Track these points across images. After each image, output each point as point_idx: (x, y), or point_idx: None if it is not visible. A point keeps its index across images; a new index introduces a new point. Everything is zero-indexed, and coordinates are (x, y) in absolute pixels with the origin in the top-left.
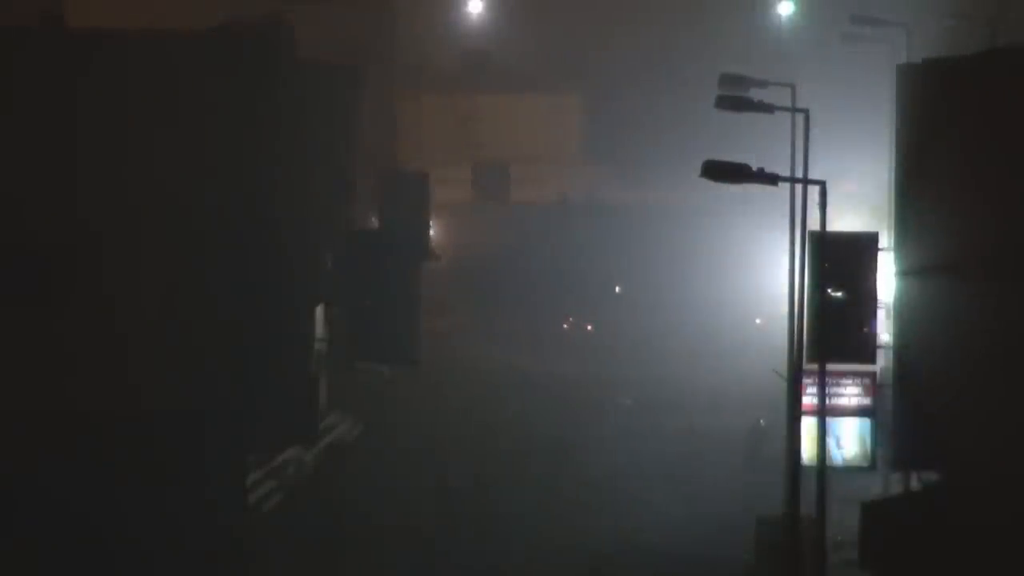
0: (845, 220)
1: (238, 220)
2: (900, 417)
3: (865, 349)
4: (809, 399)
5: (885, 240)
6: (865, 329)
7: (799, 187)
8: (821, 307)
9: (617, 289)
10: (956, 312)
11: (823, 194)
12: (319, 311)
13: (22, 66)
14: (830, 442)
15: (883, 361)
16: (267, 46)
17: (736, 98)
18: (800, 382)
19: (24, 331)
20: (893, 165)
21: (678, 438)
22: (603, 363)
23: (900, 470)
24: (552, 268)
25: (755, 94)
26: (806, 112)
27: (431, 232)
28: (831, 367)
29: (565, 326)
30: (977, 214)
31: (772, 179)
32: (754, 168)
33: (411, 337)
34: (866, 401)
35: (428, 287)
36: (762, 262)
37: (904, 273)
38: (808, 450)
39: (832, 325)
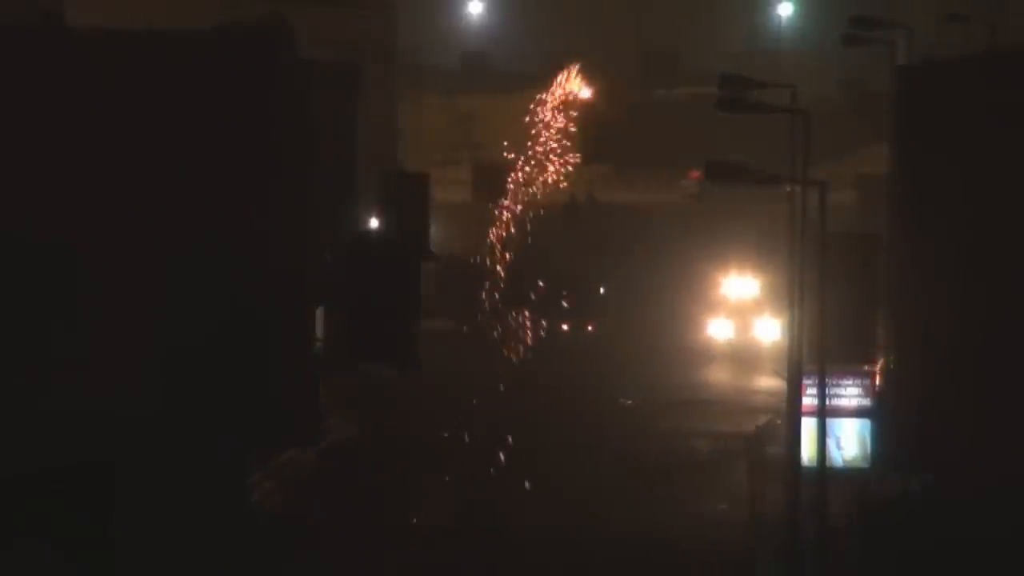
0: None
1: (237, 220)
2: (899, 417)
3: (865, 349)
4: (809, 399)
5: (884, 240)
6: (865, 329)
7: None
8: (821, 307)
9: (601, 290)
10: (954, 312)
11: (823, 194)
12: (319, 311)
13: (22, 66)
14: (830, 443)
15: (883, 361)
16: (267, 46)
17: (736, 99)
18: (800, 383)
19: (21, 331)
20: (892, 166)
21: (679, 438)
22: (603, 363)
23: (900, 470)
24: (552, 267)
25: (755, 94)
26: (806, 112)
27: (431, 232)
28: (831, 367)
29: (565, 327)
30: (976, 214)
31: (772, 180)
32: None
33: (411, 337)
34: (866, 401)
35: (428, 287)
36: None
37: (903, 273)
38: (808, 451)
39: (832, 325)
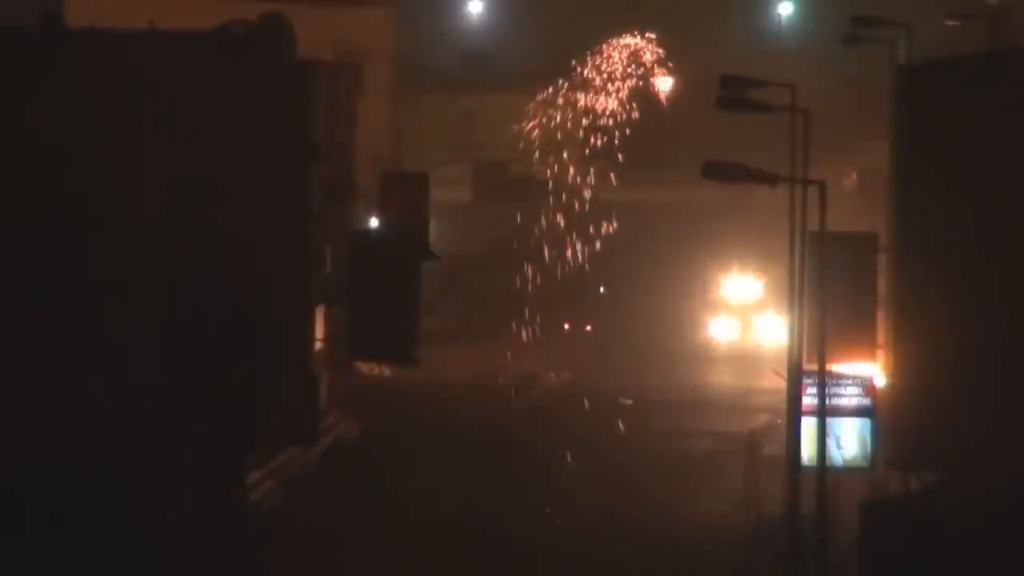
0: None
1: (237, 220)
2: (899, 417)
3: (865, 349)
4: (809, 399)
5: (884, 240)
6: (865, 329)
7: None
8: (821, 307)
9: (601, 289)
10: (955, 311)
11: (823, 194)
12: (319, 311)
13: (22, 66)
14: (830, 442)
15: (883, 361)
16: (267, 46)
17: (736, 98)
18: (800, 382)
19: (19, 334)
20: (892, 165)
21: (679, 438)
22: (603, 363)
23: (900, 470)
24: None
25: (755, 94)
26: (806, 112)
27: (431, 232)
28: (831, 367)
29: (566, 326)
30: (976, 214)
31: (772, 179)
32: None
33: (411, 337)
34: (866, 401)
35: (428, 287)
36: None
37: (903, 272)
38: (808, 450)
39: (832, 325)
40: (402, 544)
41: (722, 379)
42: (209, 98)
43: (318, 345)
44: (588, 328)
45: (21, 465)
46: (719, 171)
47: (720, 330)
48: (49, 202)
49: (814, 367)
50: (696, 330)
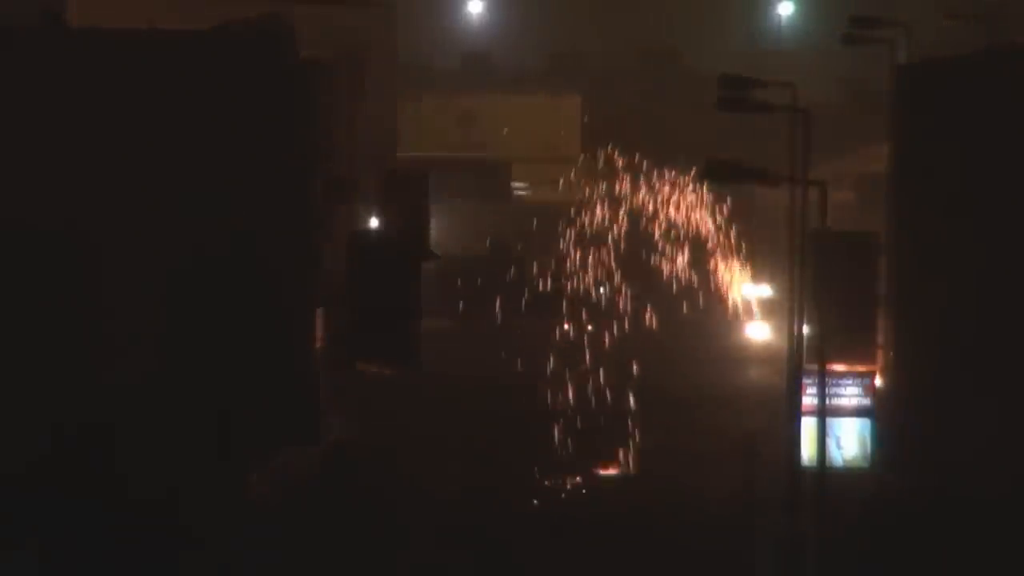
0: None
1: (237, 220)
2: (897, 417)
3: (865, 349)
4: (809, 399)
5: (884, 240)
6: (865, 329)
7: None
8: (821, 307)
9: (602, 290)
10: (953, 311)
11: (823, 194)
12: (319, 311)
13: (22, 66)
14: (830, 442)
15: (882, 361)
16: (267, 46)
17: (736, 98)
18: (800, 382)
19: (21, 332)
20: (891, 165)
21: (685, 436)
22: (603, 363)
23: (897, 470)
24: (551, 267)
25: (755, 94)
26: (806, 112)
27: (431, 232)
28: (831, 367)
29: (566, 326)
30: (975, 212)
31: (772, 179)
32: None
33: (411, 337)
34: (866, 401)
35: (428, 287)
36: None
37: (903, 272)
38: (808, 450)
39: (832, 325)
40: (403, 544)
41: (750, 377)
42: (209, 98)
43: (318, 345)
44: (589, 328)
45: (20, 463)
46: (719, 171)
47: (754, 331)
48: (48, 202)
49: (814, 367)
50: (718, 331)
